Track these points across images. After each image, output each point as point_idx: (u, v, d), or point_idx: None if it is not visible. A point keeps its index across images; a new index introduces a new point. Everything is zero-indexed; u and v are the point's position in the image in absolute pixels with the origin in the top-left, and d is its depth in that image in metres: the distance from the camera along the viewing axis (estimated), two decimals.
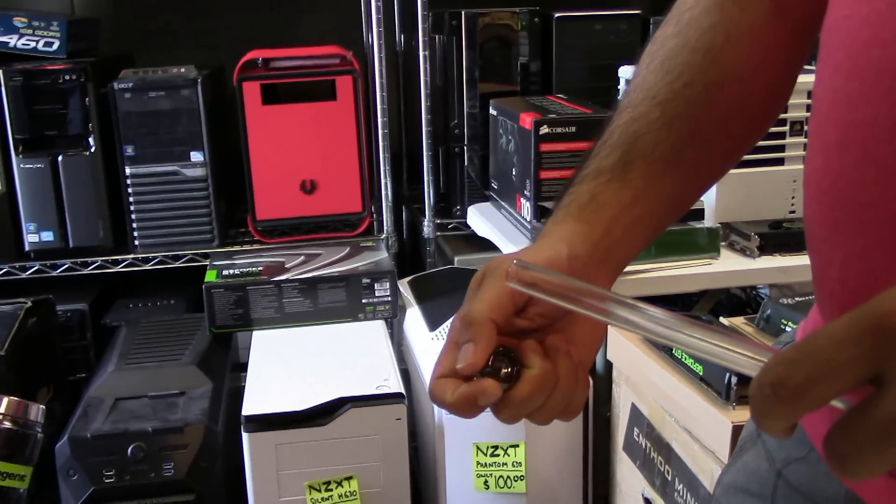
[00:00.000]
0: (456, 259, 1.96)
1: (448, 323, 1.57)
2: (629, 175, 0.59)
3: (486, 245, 1.80)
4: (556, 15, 1.91)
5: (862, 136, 0.49)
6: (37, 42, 1.80)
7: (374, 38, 1.87)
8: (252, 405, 1.35)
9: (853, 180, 0.50)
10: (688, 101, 0.61)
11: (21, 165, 1.79)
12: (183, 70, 1.86)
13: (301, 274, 1.68)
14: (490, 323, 0.53)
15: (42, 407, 0.80)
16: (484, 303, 0.54)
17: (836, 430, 0.36)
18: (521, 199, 1.59)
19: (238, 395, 1.58)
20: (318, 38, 2.19)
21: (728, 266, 1.40)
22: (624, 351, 1.30)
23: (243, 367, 1.67)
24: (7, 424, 0.76)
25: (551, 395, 0.53)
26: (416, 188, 2.14)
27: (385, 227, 1.93)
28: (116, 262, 1.86)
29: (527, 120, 1.53)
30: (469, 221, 1.88)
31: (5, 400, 0.76)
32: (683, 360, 1.17)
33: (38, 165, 1.80)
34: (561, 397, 0.54)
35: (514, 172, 1.64)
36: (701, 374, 1.13)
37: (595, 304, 0.49)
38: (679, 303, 1.58)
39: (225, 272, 1.70)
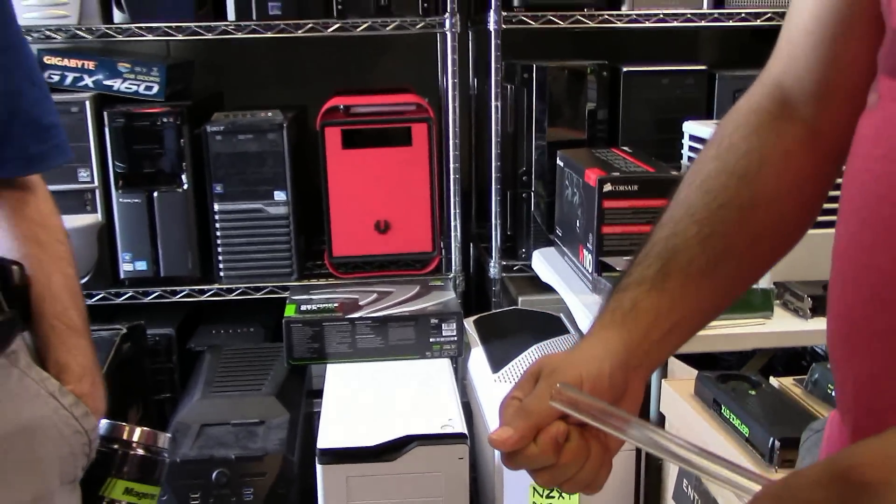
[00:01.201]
0: (520, 299, 2.05)
1: (510, 366, 1.67)
2: (667, 285, 0.68)
3: (550, 288, 1.88)
4: (625, 69, 1.99)
5: (873, 279, 0.57)
6: (138, 86, 1.95)
7: (449, 86, 1.97)
8: (326, 438, 1.46)
9: (864, 314, 0.58)
10: (723, 221, 0.69)
11: (120, 200, 1.94)
12: (270, 114, 1.99)
13: (373, 312, 1.79)
14: (541, 415, 0.63)
15: (168, 435, 0.92)
16: (538, 398, 0.64)
17: None
18: (584, 250, 1.67)
19: (311, 421, 1.70)
20: (394, 78, 2.32)
21: (781, 326, 1.46)
22: (675, 405, 1.38)
23: (316, 393, 1.78)
24: (140, 451, 0.89)
25: (582, 468, 0.63)
26: (483, 226, 2.24)
27: (453, 267, 2.03)
28: (203, 292, 2.00)
29: (591, 176, 1.61)
30: (534, 265, 1.97)
31: (138, 430, 0.89)
32: (731, 420, 1.24)
33: (136, 200, 1.94)
34: (588, 473, 0.64)
35: (577, 224, 1.72)
36: (747, 435, 1.19)
37: (618, 425, 0.60)
38: (734, 358, 1.64)
39: (303, 307, 1.82)
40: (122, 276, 1.98)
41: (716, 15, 1.95)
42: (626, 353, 0.66)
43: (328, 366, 1.77)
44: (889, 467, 0.41)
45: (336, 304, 1.83)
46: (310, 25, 1.90)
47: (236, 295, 2.01)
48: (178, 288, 2.00)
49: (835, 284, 0.62)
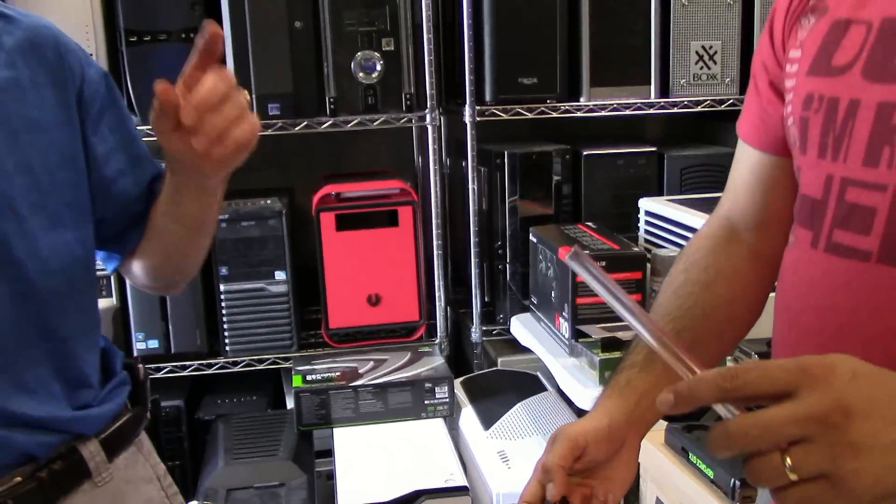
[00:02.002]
0: (499, 360, 2.27)
1: (500, 422, 1.88)
2: (652, 367, 0.90)
3: (524, 349, 2.10)
4: (585, 152, 2.25)
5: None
6: None
7: (431, 172, 2.21)
8: (346, 497, 1.65)
9: None
10: (691, 319, 0.93)
11: (132, 284, 2.12)
12: (269, 202, 2.20)
13: (373, 379, 1.99)
14: (562, 469, 0.84)
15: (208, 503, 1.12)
16: (557, 455, 0.85)
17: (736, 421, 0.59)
18: (560, 318, 1.90)
19: (324, 480, 1.89)
20: (374, 158, 2.54)
21: None
22: (649, 453, 1.60)
23: (322, 454, 1.97)
24: None
25: None
26: (459, 292, 2.46)
27: (438, 334, 2.25)
28: (210, 365, 2.18)
29: (564, 255, 1.85)
30: (513, 330, 2.19)
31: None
32: (697, 464, 1.46)
33: None
34: None
35: (553, 294, 1.95)
36: (712, 477, 1.42)
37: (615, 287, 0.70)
38: (697, 410, 1.87)
39: (308, 377, 2.01)
40: (135, 353, 2.15)
41: (662, 103, 2.23)
42: (622, 415, 0.89)
43: (335, 429, 1.96)
44: (870, 407, 0.55)
45: (338, 373, 2.03)
46: (305, 123, 2.13)
47: (241, 367, 2.19)
48: (187, 363, 2.17)
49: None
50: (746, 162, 0.95)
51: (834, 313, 0.78)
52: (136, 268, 1.13)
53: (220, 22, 2.07)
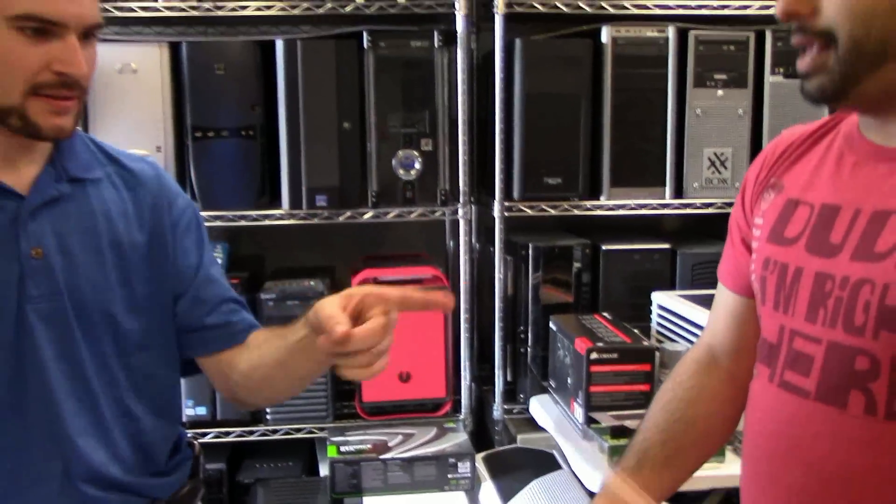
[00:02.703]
0: (519, 437, 2.43)
1: (517, 497, 2.04)
2: (642, 472, 1.09)
3: (544, 427, 2.27)
4: (604, 247, 2.44)
5: (763, 478, 0.98)
6: None
7: (461, 261, 2.40)
8: None
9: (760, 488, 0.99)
10: (675, 431, 1.11)
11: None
12: (312, 283, 2.40)
13: (402, 452, 2.16)
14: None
15: None
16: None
17: None
18: (575, 403, 2.07)
19: None
20: (407, 241, 2.75)
21: (732, 469, 1.85)
22: None
23: None
24: None
25: None
26: (485, 368, 2.63)
27: (463, 411, 2.42)
28: (252, 432, 2.36)
29: (580, 345, 2.03)
30: (531, 410, 2.36)
31: None
32: None
33: None
34: None
35: (569, 381, 2.12)
36: None
37: None
38: (694, 495, 2.02)
39: (342, 448, 2.19)
40: (184, 419, 2.34)
41: (676, 204, 2.41)
42: None
43: (364, 498, 2.13)
44: None
45: (370, 445, 2.20)
46: (349, 213, 2.34)
47: (280, 435, 2.37)
48: (231, 429, 2.36)
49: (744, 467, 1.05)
50: (724, 300, 1.15)
51: (782, 439, 0.96)
52: (221, 383, 1.33)
53: (276, 121, 2.31)
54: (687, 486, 1.89)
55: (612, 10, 2.33)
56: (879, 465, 0.90)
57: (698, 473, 1.83)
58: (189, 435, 1.39)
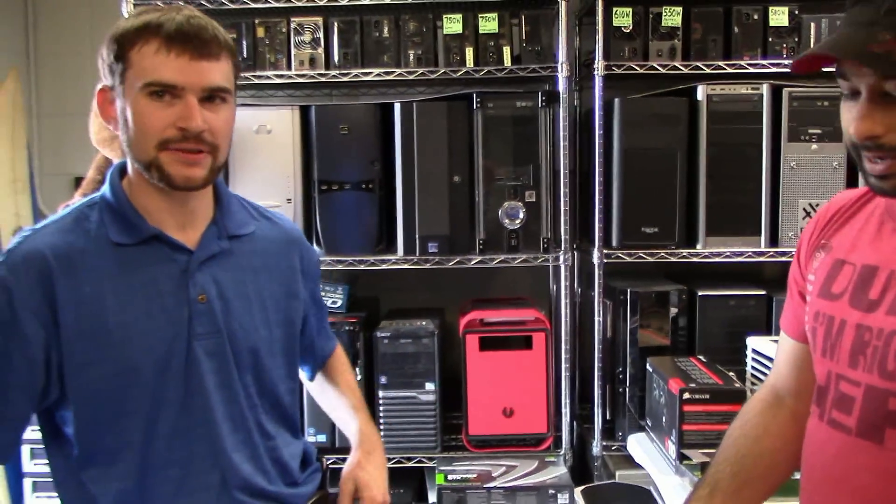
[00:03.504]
0: (618, 473, 2.55)
1: None
2: (714, 498, 1.23)
3: (641, 466, 2.38)
4: (700, 293, 2.55)
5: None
6: (328, 301, 2.59)
7: (563, 305, 2.56)
8: None
9: None
10: (744, 465, 1.25)
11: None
12: (423, 323, 2.60)
13: (504, 483, 2.32)
14: None
15: None
16: None
17: None
18: (669, 441, 2.19)
19: None
20: (513, 284, 2.92)
21: None
22: None
23: None
24: None
25: None
26: (584, 407, 2.77)
27: (563, 446, 2.56)
28: None
29: (674, 386, 2.15)
30: (629, 447, 2.48)
31: None
32: None
33: None
34: None
35: (664, 419, 2.24)
36: None
37: None
38: None
39: (450, 477, 2.37)
40: None
41: (771, 252, 2.51)
42: None
43: None
44: None
45: (475, 475, 2.37)
46: (458, 259, 2.54)
47: (393, 463, 2.56)
48: (347, 456, 2.56)
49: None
50: (785, 347, 1.28)
51: (831, 470, 1.09)
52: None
53: (393, 175, 2.54)
54: None
55: (706, 70, 2.47)
56: None
57: None
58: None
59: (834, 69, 1.07)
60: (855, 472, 1.06)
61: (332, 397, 1.66)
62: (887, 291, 1.07)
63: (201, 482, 1.33)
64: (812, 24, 2.53)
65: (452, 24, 2.53)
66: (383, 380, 2.55)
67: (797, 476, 1.24)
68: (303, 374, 1.63)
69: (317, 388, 1.69)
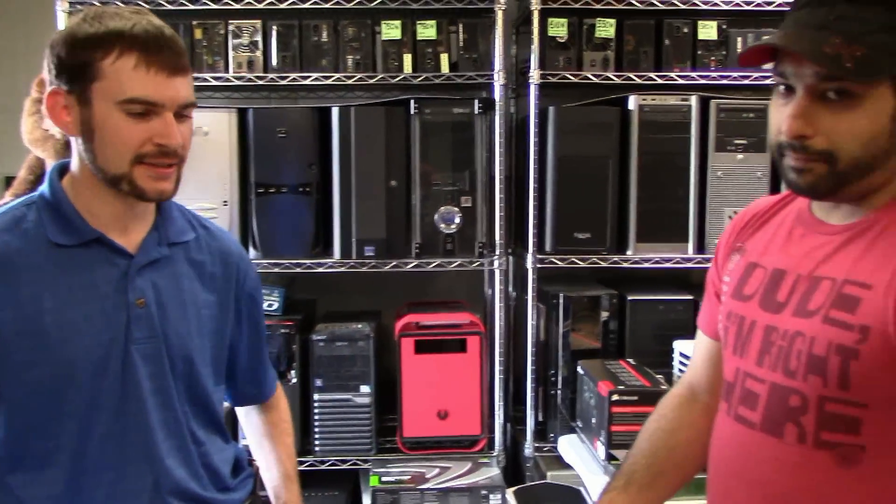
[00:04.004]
0: (549, 474, 2.60)
1: None
2: (628, 491, 1.28)
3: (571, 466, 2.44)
4: (630, 297, 2.62)
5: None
6: (265, 303, 2.59)
7: (496, 308, 2.60)
8: None
9: None
10: (658, 456, 1.30)
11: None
12: (360, 326, 2.62)
13: (438, 484, 2.35)
14: None
15: None
16: None
17: None
18: (598, 442, 2.24)
19: None
20: (449, 289, 2.95)
21: None
22: None
23: None
24: None
25: None
26: (519, 409, 2.81)
27: (496, 447, 2.60)
28: (301, 463, 2.56)
29: (603, 388, 2.21)
30: (559, 448, 2.53)
31: None
32: None
33: None
34: None
35: (593, 421, 2.30)
36: None
37: None
38: None
39: (384, 479, 2.39)
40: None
41: (698, 258, 2.59)
42: None
43: None
44: None
45: (409, 477, 2.40)
46: (394, 263, 2.57)
47: (327, 466, 2.58)
48: None
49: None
50: (701, 344, 1.34)
51: (734, 462, 1.15)
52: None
53: (330, 179, 2.56)
54: None
55: (638, 81, 2.55)
56: (810, 486, 1.08)
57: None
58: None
59: (772, 67, 1.12)
60: (757, 465, 1.12)
61: (269, 457, 1.64)
62: (793, 294, 1.13)
63: (134, 486, 1.33)
64: (739, 39, 2.62)
65: (391, 31, 2.55)
66: (319, 382, 2.56)
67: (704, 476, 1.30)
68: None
69: (253, 433, 1.68)
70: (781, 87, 1.12)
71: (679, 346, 2.51)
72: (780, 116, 1.11)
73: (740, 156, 2.58)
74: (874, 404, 1.05)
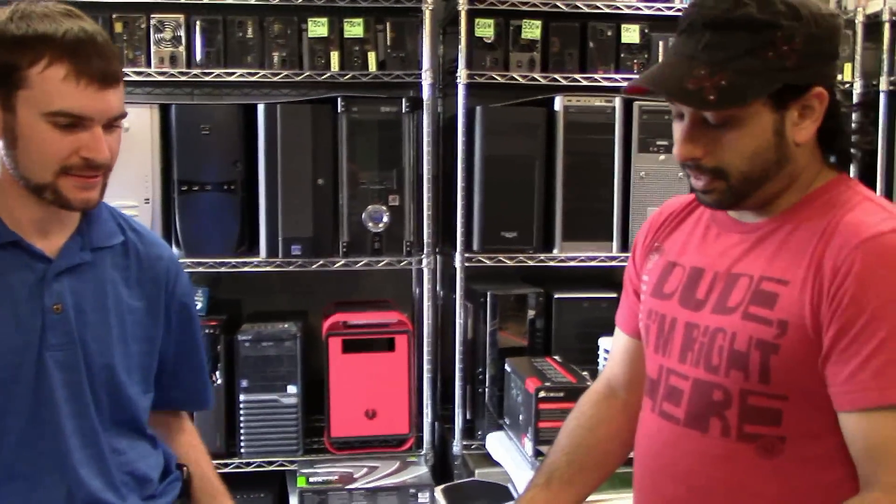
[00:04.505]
0: (477, 471, 2.61)
1: None
2: (550, 487, 1.30)
3: (500, 463, 2.46)
4: (556, 295, 2.65)
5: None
6: None
7: (425, 307, 2.61)
8: None
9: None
10: (578, 453, 1.33)
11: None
12: (286, 326, 2.59)
13: (366, 484, 2.34)
14: None
15: None
16: None
17: None
18: (525, 438, 2.27)
19: None
20: (376, 288, 2.95)
21: None
22: None
23: None
24: None
25: None
26: (447, 408, 2.82)
27: (424, 446, 2.61)
28: (227, 464, 2.53)
29: (530, 385, 2.23)
30: (488, 446, 2.55)
31: None
32: None
33: None
34: None
35: (521, 418, 2.32)
36: None
37: None
38: None
39: (311, 479, 2.37)
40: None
41: (622, 257, 2.64)
42: None
43: None
44: None
45: (336, 477, 2.38)
46: (321, 262, 2.55)
47: (253, 468, 2.54)
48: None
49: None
50: (620, 342, 1.37)
51: (659, 458, 1.18)
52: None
53: (255, 177, 2.52)
54: None
55: (563, 82, 2.58)
56: (733, 477, 1.12)
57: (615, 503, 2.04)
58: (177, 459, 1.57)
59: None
60: (682, 458, 1.15)
61: (205, 474, 1.57)
62: (712, 291, 1.16)
63: (47, 497, 1.29)
64: (661, 42, 2.68)
65: (318, 28, 2.54)
66: (244, 383, 2.52)
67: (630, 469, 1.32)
68: None
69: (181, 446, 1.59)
70: (674, 112, 1.16)
71: (604, 342, 2.55)
72: (676, 139, 1.16)
73: (662, 156, 2.63)
74: (794, 396, 1.09)
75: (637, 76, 2.58)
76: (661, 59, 2.68)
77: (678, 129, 1.15)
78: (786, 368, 1.08)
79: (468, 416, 2.69)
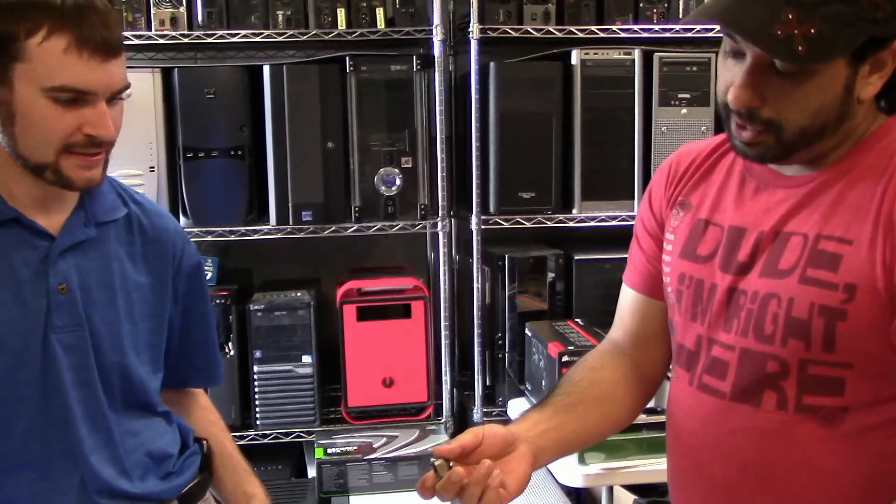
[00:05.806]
0: None
1: None
2: (545, 409, 1.19)
3: None
4: (576, 257, 2.57)
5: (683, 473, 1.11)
6: None
7: (441, 272, 2.53)
8: None
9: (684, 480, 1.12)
10: (580, 387, 1.23)
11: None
12: (299, 294, 2.52)
13: (386, 453, 2.29)
14: (459, 444, 1.07)
15: None
16: (459, 437, 1.09)
17: None
18: None
19: None
20: (391, 254, 2.87)
21: None
22: None
23: None
24: None
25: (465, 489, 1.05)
26: (466, 374, 2.76)
27: (444, 414, 2.55)
28: (242, 437, 2.48)
29: (553, 349, 2.16)
30: (509, 413, 2.48)
31: None
32: None
33: None
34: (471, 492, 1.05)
35: (543, 384, 2.25)
36: None
37: None
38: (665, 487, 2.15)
39: (329, 450, 2.31)
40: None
41: None
42: (521, 432, 1.14)
43: (351, 497, 2.25)
44: None
45: (355, 447, 2.33)
46: (333, 228, 2.47)
47: (270, 440, 2.49)
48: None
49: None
50: (627, 299, 1.29)
51: (702, 435, 1.10)
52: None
53: (263, 141, 2.44)
54: (636, 481, 2.03)
55: (580, 35, 2.48)
56: (790, 452, 1.03)
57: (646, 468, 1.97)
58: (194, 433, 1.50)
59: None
60: (730, 435, 1.07)
61: (227, 451, 1.51)
62: (758, 253, 1.07)
63: (59, 486, 1.23)
64: None
65: None
66: (258, 354, 2.46)
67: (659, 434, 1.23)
68: None
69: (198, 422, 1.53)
70: (728, 48, 1.04)
71: None
72: (728, 81, 1.03)
73: (684, 110, 2.53)
74: (859, 364, 1.00)
75: (659, 25, 2.49)
76: (681, 12, 2.57)
77: (732, 69, 1.03)
78: (854, 335, 0.99)
79: (488, 383, 2.62)
